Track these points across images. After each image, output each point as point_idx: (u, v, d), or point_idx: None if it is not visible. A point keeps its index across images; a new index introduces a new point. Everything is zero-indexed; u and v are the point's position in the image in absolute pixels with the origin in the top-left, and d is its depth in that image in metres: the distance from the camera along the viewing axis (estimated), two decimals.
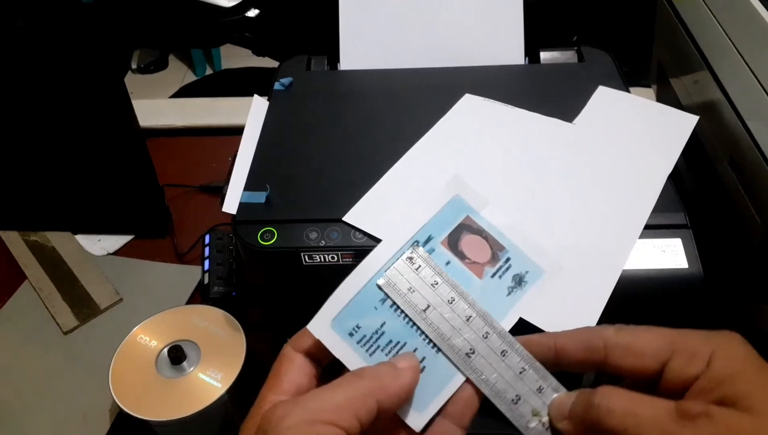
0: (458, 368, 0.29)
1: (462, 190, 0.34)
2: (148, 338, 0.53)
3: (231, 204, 0.47)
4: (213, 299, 0.63)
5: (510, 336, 0.30)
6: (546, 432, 0.29)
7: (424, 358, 0.30)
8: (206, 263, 0.66)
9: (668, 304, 0.45)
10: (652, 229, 0.44)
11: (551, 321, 0.34)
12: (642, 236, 0.43)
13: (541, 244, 0.33)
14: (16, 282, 0.69)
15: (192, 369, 0.51)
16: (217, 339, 0.53)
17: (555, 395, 0.29)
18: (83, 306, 0.65)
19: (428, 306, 0.30)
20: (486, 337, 0.30)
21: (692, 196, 0.60)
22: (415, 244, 0.32)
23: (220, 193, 0.48)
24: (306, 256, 0.44)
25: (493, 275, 0.32)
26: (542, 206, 0.45)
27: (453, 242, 0.32)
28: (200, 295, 0.66)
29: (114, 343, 0.52)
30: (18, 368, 0.60)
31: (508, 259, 0.33)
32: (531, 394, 0.29)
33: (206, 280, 0.65)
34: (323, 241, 0.44)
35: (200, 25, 0.92)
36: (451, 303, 0.30)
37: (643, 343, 0.27)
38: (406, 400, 0.28)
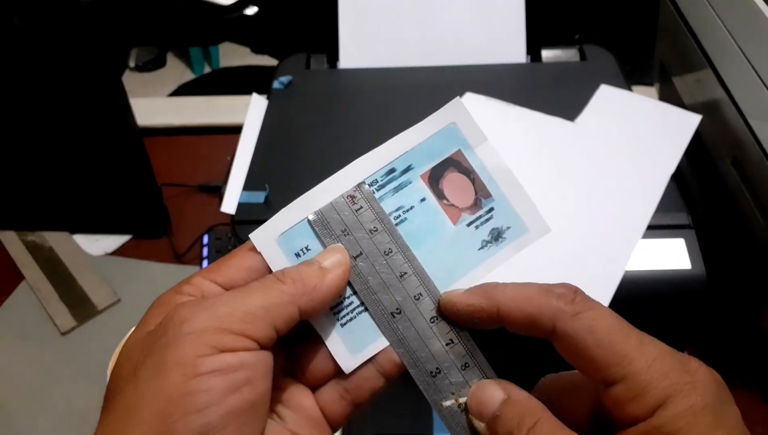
0: (378, 326, 0.26)
1: (460, 118, 0.29)
2: None
3: (230, 204, 0.47)
4: None
5: None
6: (461, 415, 0.26)
7: (361, 304, 0.27)
8: (204, 263, 0.66)
9: (671, 305, 0.44)
10: (655, 229, 0.44)
11: None
12: (645, 236, 0.43)
13: (534, 201, 0.29)
14: (13, 282, 0.68)
15: None
16: None
17: (480, 380, 0.26)
18: (81, 306, 0.65)
19: (360, 253, 0.26)
20: (417, 299, 0.26)
21: (695, 196, 0.60)
22: (361, 183, 0.28)
23: (218, 192, 0.48)
24: None
25: (470, 224, 0.28)
26: (543, 206, 0.45)
27: (435, 178, 0.28)
28: None
29: (112, 343, 0.52)
30: (15, 369, 0.60)
31: (491, 209, 0.28)
32: (454, 369, 0.26)
33: None
34: None
35: (198, 23, 0.92)
36: (387, 254, 0.27)
37: (596, 353, 0.22)
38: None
